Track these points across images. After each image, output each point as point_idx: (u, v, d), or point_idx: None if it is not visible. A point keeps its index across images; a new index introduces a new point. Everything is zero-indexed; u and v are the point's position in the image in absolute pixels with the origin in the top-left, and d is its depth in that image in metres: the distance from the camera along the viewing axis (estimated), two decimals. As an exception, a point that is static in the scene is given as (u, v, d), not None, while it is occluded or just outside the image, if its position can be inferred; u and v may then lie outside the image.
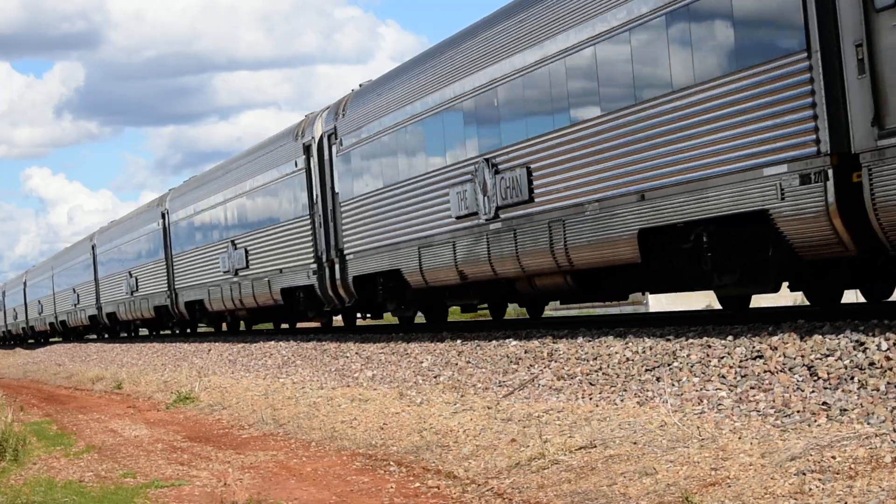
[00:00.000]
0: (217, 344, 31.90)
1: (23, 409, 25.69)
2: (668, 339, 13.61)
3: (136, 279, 44.17)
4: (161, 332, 48.20)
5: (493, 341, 17.56)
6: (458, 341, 18.81)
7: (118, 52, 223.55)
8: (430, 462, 12.43)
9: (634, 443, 10.56)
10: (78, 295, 56.28)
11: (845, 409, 9.58)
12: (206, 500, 11.72)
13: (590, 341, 15.10)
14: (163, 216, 40.77)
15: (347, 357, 21.62)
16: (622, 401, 12.36)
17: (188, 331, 42.86)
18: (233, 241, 32.17)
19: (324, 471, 12.86)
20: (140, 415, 21.96)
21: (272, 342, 27.64)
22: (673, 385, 12.09)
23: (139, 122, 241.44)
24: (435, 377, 17.07)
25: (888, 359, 10.16)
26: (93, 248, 52.10)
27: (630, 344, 14.07)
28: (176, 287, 38.83)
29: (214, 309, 34.90)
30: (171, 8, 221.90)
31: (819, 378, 10.51)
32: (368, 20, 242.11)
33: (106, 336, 54.14)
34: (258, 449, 15.22)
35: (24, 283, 77.06)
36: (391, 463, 12.78)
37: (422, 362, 18.33)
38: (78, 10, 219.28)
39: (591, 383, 13.45)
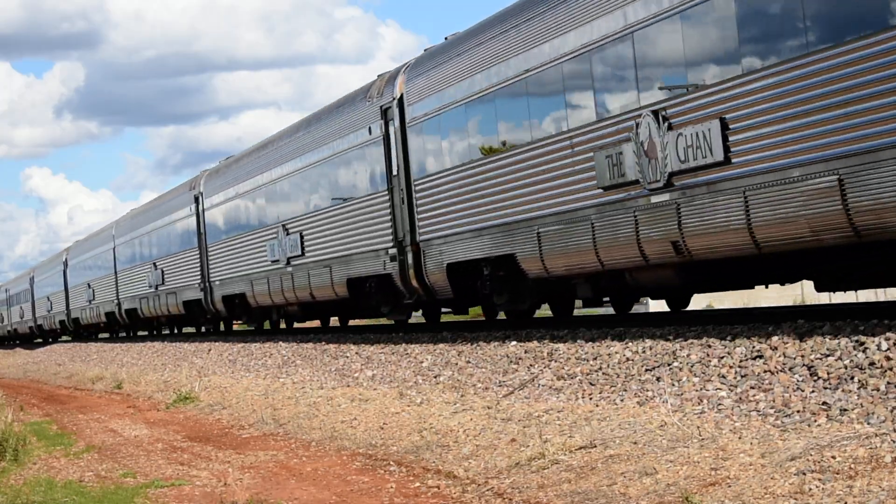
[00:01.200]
0: (217, 344, 31.91)
1: (23, 409, 25.69)
2: (668, 339, 13.61)
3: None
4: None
5: (493, 341, 17.57)
6: (458, 341, 18.82)
7: (118, 52, 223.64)
8: (430, 462, 12.43)
9: (634, 443, 10.56)
10: (161, 272, 40.38)
11: (845, 409, 9.58)
12: (206, 500, 11.73)
13: (590, 341, 15.11)
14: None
15: (347, 357, 21.62)
16: (622, 401, 12.36)
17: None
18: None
19: (324, 471, 12.87)
20: (140, 415, 21.96)
21: (272, 342, 27.65)
22: (673, 385, 12.09)
23: (139, 122, 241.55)
24: (435, 377, 17.07)
25: (888, 359, 10.16)
26: (196, 199, 36.81)
27: (630, 344, 14.07)
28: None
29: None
30: (171, 8, 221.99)
31: (819, 378, 10.51)
32: (368, 20, 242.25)
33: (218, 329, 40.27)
34: (258, 449, 15.22)
35: (65, 263, 58.73)
36: (391, 463, 12.78)
37: (422, 362, 18.33)
38: (78, 10, 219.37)
39: (591, 383, 13.45)
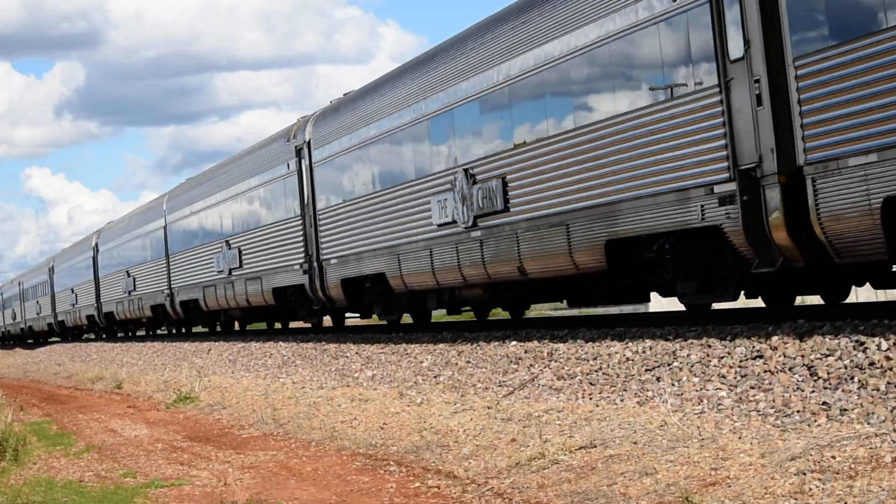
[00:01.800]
0: (217, 344, 31.91)
1: (23, 409, 25.70)
2: (668, 339, 13.61)
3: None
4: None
5: (494, 341, 17.57)
6: (458, 341, 18.82)
7: (118, 52, 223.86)
8: (430, 462, 12.43)
9: (634, 443, 10.57)
10: (238, 252, 30.94)
11: (845, 409, 9.58)
12: (206, 500, 11.73)
13: (590, 341, 15.11)
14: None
15: (347, 357, 21.63)
16: (622, 401, 12.37)
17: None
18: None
19: (324, 471, 12.87)
20: (140, 415, 21.96)
21: (272, 342, 27.65)
22: (673, 385, 12.09)
23: (139, 122, 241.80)
24: (435, 377, 17.08)
25: (888, 359, 10.16)
26: (298, 152, 26.74)
27: (630, 344, 14.07)
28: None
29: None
30: (171, 8, 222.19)
31: (819, 378, 10.51)
32: (368, 20, 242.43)
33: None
34: (258, 449, 15.22)
35: (95, 248, 50.06)
36: (391, 463, 12.78)
37: (422, 362, 18.33)
38: (78, 10, 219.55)
39: (591, 383, 13.46)
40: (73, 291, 54.81)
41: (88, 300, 51.42)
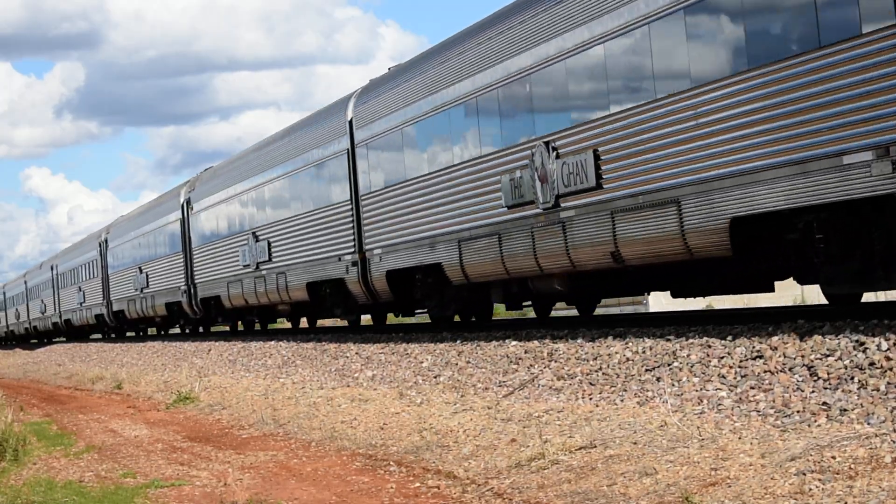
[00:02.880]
0: (217, 344, 31.91)
1: (23, 409, 25.69)
2: (668, 339, 13.61)
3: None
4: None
5: (493, 341, 17.56)
6: (458, 341, 18.82)
7: (118, 52, 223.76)
8: (430, 462, 12.43)
9: (634, 443, 10.57)
10: (594, 161, 14.81)
11: (845, 409, 9.58)
12: (206, 500, 11.73)
13: (590, 341, 15.10)
14: None
15: (347, 357, 21.62)
16: (622, 401, 12.37)
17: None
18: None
19: (324, 471, 12.87)
20: (140, 415, 21.96)
21: (272, 342, 27.65)
22: (673, 385, 12.09)
23: (139, 122, 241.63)
24: (435, 377, 17.08)
25: (888, 359, 10.16)
26: None
27: (630, 344, 14.07)
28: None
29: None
30: (171, 8, 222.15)
31: (819, 378, 10.51)
32: (368, 20, 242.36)
33: None
34: (258, 449, 15.22)
35: (184, 207, 35.89)
36: (391, 463, 12.78)
37: (422, 362, 18.33)
38: (78, 10, 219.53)
39: (591, 383, 13.45)
40: (141, 271, 40.90)
41: (171, 281, 37.05)
